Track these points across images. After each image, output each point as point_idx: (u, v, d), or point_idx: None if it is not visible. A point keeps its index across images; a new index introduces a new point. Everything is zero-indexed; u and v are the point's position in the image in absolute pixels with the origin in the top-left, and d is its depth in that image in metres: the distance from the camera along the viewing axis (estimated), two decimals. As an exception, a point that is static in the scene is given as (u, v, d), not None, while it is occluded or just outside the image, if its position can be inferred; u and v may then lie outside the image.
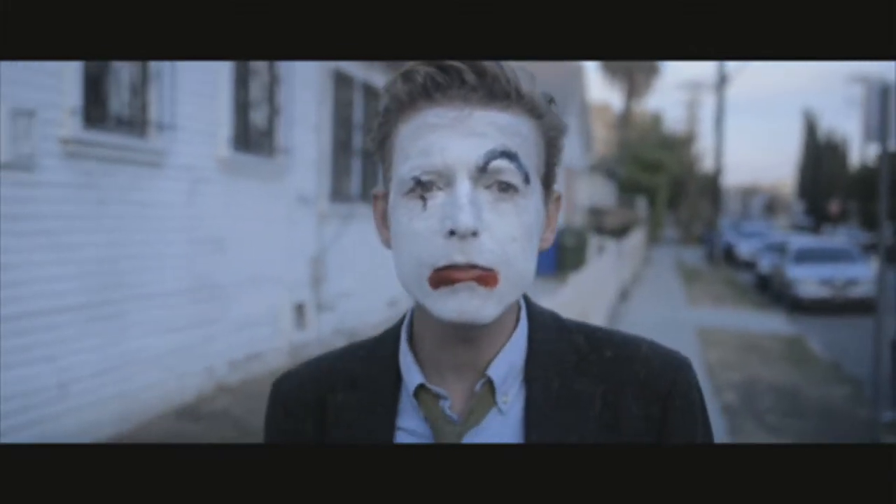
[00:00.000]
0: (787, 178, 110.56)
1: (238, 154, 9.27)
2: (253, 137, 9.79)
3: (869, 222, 52.82)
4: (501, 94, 1.20)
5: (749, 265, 34.62)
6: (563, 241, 23.89)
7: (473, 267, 1.17)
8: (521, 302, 1.34)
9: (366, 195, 12.96)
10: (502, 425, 1.27)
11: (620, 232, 30.63)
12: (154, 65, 7.76)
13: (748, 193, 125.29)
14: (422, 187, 1.19)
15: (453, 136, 1.18)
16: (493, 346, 1.28)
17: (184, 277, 8.36)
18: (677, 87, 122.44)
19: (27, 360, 6.40)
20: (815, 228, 64.75)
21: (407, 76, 1.23)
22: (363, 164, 12.91)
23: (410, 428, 1.29)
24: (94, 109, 7.09)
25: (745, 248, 39.37)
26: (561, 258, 23.50)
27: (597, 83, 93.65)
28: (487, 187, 1.19)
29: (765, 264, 27.43)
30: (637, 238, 29.91)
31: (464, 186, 1.17)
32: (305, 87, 10.74)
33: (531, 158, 1.23)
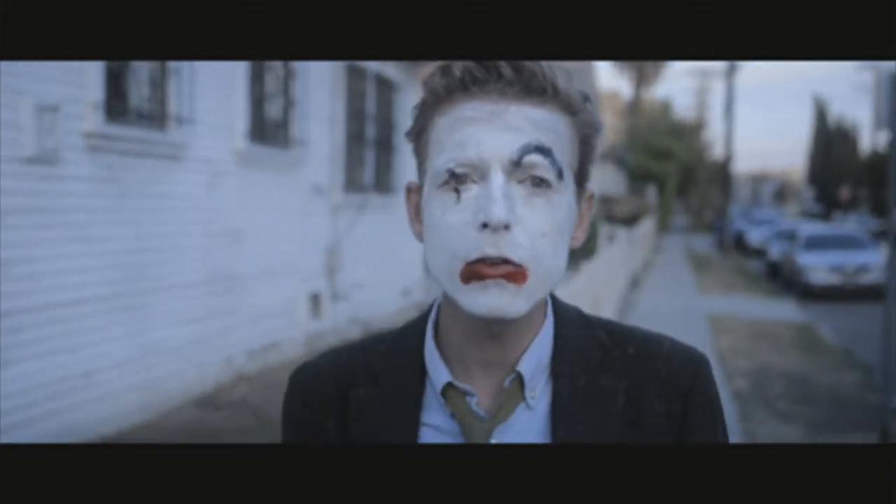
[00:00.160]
0: (797, 165, 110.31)
1: (254, 146, 9.39)
2: (268, 130, 9.91)
3: (879, 209, 52.73)
4: (538, 90, 1.21)
5: (759, 252, 34.60)
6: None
7: (505, 261, 1.17)
8: (548, 297, 1.33)
9: (379, 185, 13.07)
10: (529, 420, 1.28)
11: (631, 220, 30.67)
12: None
13: (758, 180, 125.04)
14: (456, 180, 1.20)
15: (489, 130, 1.19)
16: (520, 343, 1.28)
17: (202, 269, 8.49)
18: (686, 74, 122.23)
19: (53, 350, 6.53)
20: (825, 215, 64.63)
21: (445, 70, 1.24)
22: (376, 154, 13.02)
23: (436, 424, 1.29)
24: (116, 104, 7.22)
25: (755, 236, 39.34)
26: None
27: (606, 71, 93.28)
28: (521, 182, 1.19)
29: (775, 251, 27.45)
30: (647, 226, 29.97)
31: (497, 180, 1.18)
32: (319, 79, 10.84)
33: (565, 155, 1.24)
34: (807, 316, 17.38)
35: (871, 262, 20.98)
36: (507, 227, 1.16)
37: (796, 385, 10.58)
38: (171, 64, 7.88)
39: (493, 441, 1.26)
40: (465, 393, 1.27)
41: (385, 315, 13.06)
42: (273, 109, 10.07)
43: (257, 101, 9.60)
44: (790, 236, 25.87)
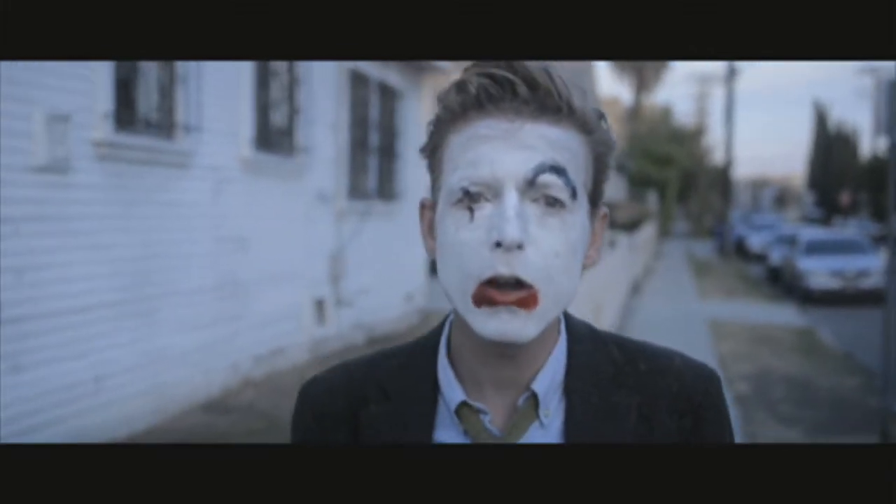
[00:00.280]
0: (797, 170, 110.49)
1: (259, 154, 9.48)
2: (273, 137, 10.00)
3: (880, 213, 52.81)
4: (553, 108, 1.21)
5: (760, 257, 34.68)
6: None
7: (517, 283, 1.17)
8: (560, 315, 1.34)
9: (382, 192, 13.16)
10: (543, 438, 1.28)
11: (631, 226, 30.75)
12: (180, 68, 7.98)
13: (758, 186, 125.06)
14: (470, 198, 1.19)
15: (503, 149, 1.19)
16: (533, 362, 1.28)
17: (209, 275, 8.58)
18: (686, 80, 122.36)
19: (64, 356, 6.62)
20: (825, 220, 64.69)
21: (460, 86, 1.24)
22: (379, 161, 13.11)
23: (449, 442, 1.30)
24: (125, 113, 7.31)
25: (755, 241, 39.39)
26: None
27: (606, 77, 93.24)
28: (535, 201, 1.19)
29: (776, 256, 27.51)
30: (648, 232, 30.05)
31: (511, 199, 1.17)
32: (323, 87, 10.93)
33: (579, 174, 1.23)
34: (807, 320, 17.45)
35: (871, 266, 21.05)
36: (520, 246, 1.16)
37: (797, 389, 10.65)
38: (179, 72, 7.97)
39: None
40: (478, 411, 1.27)
41: (388, 320, 13.15)
42: (278, 117, 10.16)
43: (262, 108, 9.69)
44: (790, 241, 25.92)
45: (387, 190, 13.35)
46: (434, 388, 1.31)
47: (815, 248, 22.73)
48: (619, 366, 1.32)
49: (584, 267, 1.28)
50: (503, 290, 1.17)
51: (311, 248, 10.80)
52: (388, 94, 13.33)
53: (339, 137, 11.53)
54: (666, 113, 66.64)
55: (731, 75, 42.15)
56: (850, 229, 43.56)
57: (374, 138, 12.84)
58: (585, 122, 1.24)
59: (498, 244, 1.16)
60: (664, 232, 50.68)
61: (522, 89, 1.20)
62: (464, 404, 1.28)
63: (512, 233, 1.15)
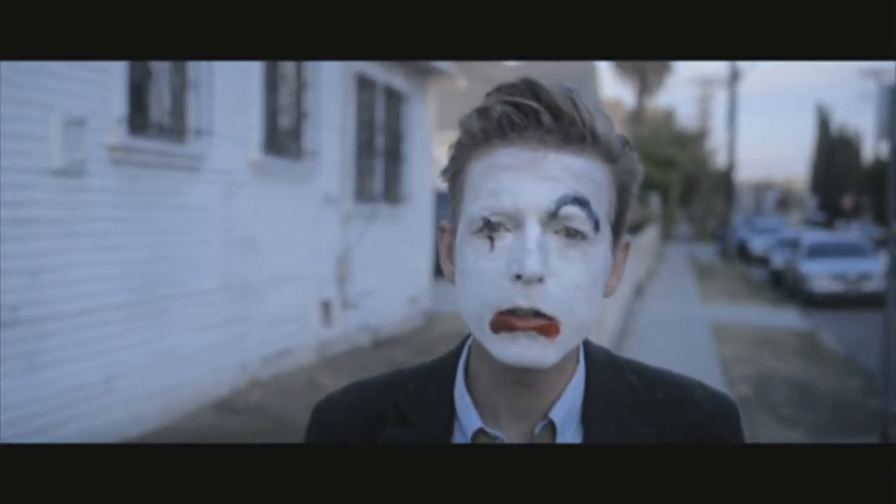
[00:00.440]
0: (800, 174, 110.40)
1: (268, 157, 9.60)
2: (282, 141, 10.11)
3: (882, 217, 52.80)
4: (577, 138, 1.19)
5: (762, 261, 34.71)
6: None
7: (536, 314, 1.16)
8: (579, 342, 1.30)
9: (388, 195, 13.28)
10: None
11: (634, 229, 30.83)
12: (192, 73, 8.10)
13: (761, 189, 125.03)
14: (490, 228, 1.18)
15: (526, 179, 1.17)
16: (551, 390, 1.27)
17: (219, 277, 8.70)
18: (689, 83, 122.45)
19: (78, 357, 6.74)
20: (828, 223, 64.75)
21: (482, 112, 1.22)
22: (385, 165, 13.23)
23: None
24: (138, 117, 7.43)
25: (758, 244, 39.40)
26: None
27: (609, 80, 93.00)
28: (556, 232, 1.18)
29: (778, 260, 27.54)
30: (650, 235, 30.10)
31: (533, 231, 1.16)
32: (331, 91, 11.05)
33: (602, 205, 1.22)
34: (809, 324, 17.52)
35: (873, 269, 21.10)
36: (540, 279, 1.15)
37: (799, 391, 10.74)
38: (191, 77, 8.09)
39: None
40: (495, 439, 1.26)
41: (393, 322, 13.27)
42: (286, 121, 10.27)
43: (271, 112, 9.81)
44: (793, 245, 25.98)
45: (392, 193, 13.46)
46: (451, 414, 1.30)
47: (817, 252, 22.79)
48: (637, 394, 1.31)
49: (605, 296, 1.26)
50: (524, 318, 1.16)
51: (318, 250, 10.91)
52: (394, 98, 13.45)
53: (346, 141, 11.65)
54: (668, 116, 66.65)
55: (734, 78, 42.23)
56: (852, 233, 43.64)
57: (379, 142, 12.96)
58: (610, 151, 1.22)
59: (518, 276, 1.14)
60: (667, 235, 50.73)
61: (546, 118, 1.19)
62: (480, 431, 1.27)
63: (532, 266, 1.13)
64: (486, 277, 1.18)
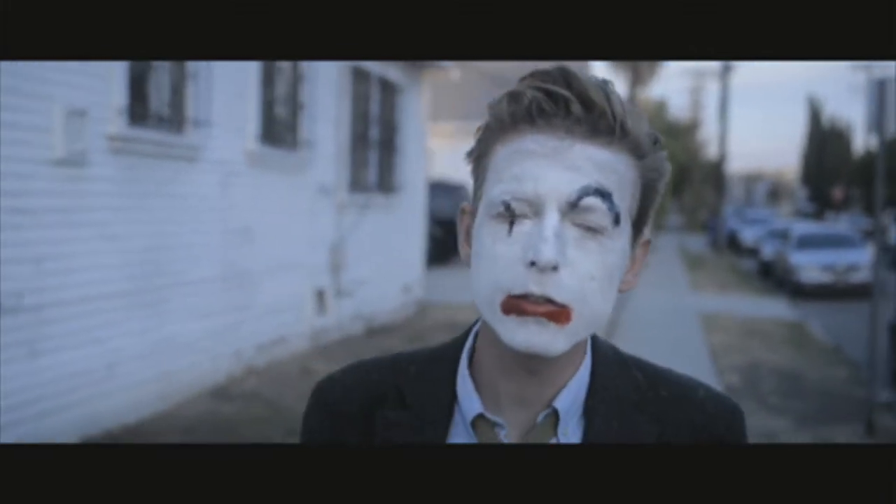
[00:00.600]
0: (791, 165, 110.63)
1: (265, 148, 9.71)
2: (278, 132, 10.22)
3: (872, 209, 53.01)
4: (605, 130, 1.18)
5: (752, 252, 34.87)
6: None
7: (548, 301, 1.15)
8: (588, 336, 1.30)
9: (382, 185, 13.39)
10: None
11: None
12: (191, 65, 8.20)
13: (752, 180, 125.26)
14: (510, 212, 1.17)
15: (550, 167, 1.16)
16: (555, 380, 1.26)
17: (217, 266, 8.81)
18: (681, 74, 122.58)
19: (80, 343, 6.86)
20: (818, 215, 64.99)
21: (513, 97, 1.20)
22: (379, 155, 13.34)
23: None
24: (138, 108, 7.53)
25: (748, 235, 39.56)
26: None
27: (601, 71, 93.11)
28: (575, 223, 1.17)
29: (767, 251, 27.70)
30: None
31: (552, 219, 1.15)
32: (326, 83, 11.14)
33: (625, 199, 1.20)
34: (798, 314, 17.68)
35: (861, 261, 21.29)
36: (555, 268, 1.14)
37: (786, 380, 10.88)
38: (190, 69, 8.20)
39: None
40: (495, 424, 1.26)
41: (386, 311, 13.39)
42: (282, 112, 10.38)
43: (268, 104, 9.91)
44: (782, 235, 26.14)
45: (386, 183, 13.57)
46: (451, 398, 1.29)
47: (806, 243, 22.96)
48: (642, 392, 1.30)
49: (620, 291, 1.25)
50: (535, 303, 1.16)
51: (313, 239, 11.03)
52: (389, 90, 13.55)
53: (341, 132, 11.75)
54: (660, 107, 66.65)
55: (726, 71, 42.38)
56: (842, 224, 43.81)
57: (374, 132, 13.06)
58: (638, 147, 1.21)
59: (533, 263, 1.14)
60: (657, 226, 50.86)
61: (576, 107, 1.17)
62: (480, 417, 1.26)
63: (548, 254, 1.13)
64: (501, 261, 1.17)
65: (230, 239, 9.03)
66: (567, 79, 1.18)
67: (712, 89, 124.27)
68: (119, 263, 7.30)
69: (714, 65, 48.31)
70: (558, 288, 1.15)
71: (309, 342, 10.91)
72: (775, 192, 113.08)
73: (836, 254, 21.90)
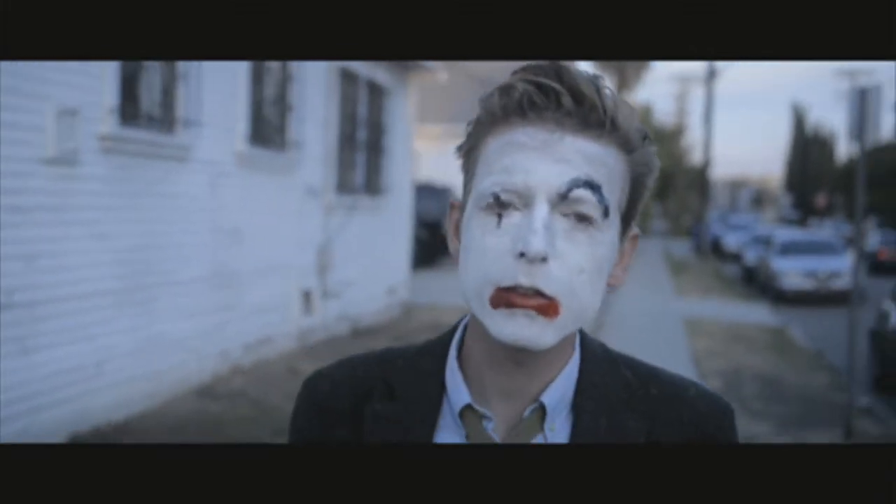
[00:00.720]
0: (775, 172, 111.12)
1: (254, 149, 9.77)
2: (267, 133, 10.29)
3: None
4: (596, 124, 1.18)
5: (736, 257, 35.07)
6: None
7: (537, 293, 1.15)
8: (576, 331, 1.30)
9: (369, 187, 13.46)
10: None
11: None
12: (181, 65, 8.26)
13: (736, 186, 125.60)
14: (499, 205, 1.17)
15: (539, 159, 1.16)
16: (543, 373, 1.26)
17: (205, 266, 8.87)
18: (667, 79, 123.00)
19: (70, 340, 6.92)
20: (802, 221, 65.30)
21: (504, 90, 1.20)
22: (367, 157, 13.41)
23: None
24: (129, 108, 7.59)
25: (732, 241, 39.79)
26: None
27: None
28: (565, 215, 1.17)
29: (751, 256, 27.87)
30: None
31: (541, 210, 1.15)
32: (315, 84, 11.21)
33: (614, 193, 1.21)
34: (780, 320, 17.81)
35: (843, 268, 21.44)
36: (544, 259, 1.14)
37: (768, 385, 10.99)
38: (181, 69, 8.26)
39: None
40: (482, 417, 1.25)
41: (372, 313, 13.47)
42: (271, 113, 10.45)
43: (257, 105, 9.98)
44: (765, 242, 26.30)
45: (373, 185, 13.64)
46: (440, 390, 1.29)
47: (788, 249, 23.12)
48: (632, 389, 1.29)
49: (609, 286, 1.25)
50: (524, 295, 1.16)
51: (300, 240, 11.10)
52: (376, 92, 13.62)
53: (329, 133, 11.82)
54: (646, 112, 66.80)
55: (711, 76, 42.56)
56: (825, 231, 44.09)
57: (361, 134, 13.13)
58: (627, 141, 1.22)
59: (522, 255, 1.14)
60: (642, 231, 50.95)
61: (567, 100, 1.18)
62: (468, 407, 1.26)
63: (537, 245, 1.12)
64: (490, 253, 1.17)
65: (219, 239, 9.09)
66: (558, 73, 1.19)
67: (697, 95, 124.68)
68: (110, 262, 7.36)
69: (699, 70, 48.58)
70: (547, 280, 1.15)
71: (295, 342, 10.97)
72: (759, 199, 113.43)
73: (818, 260, 22.06)
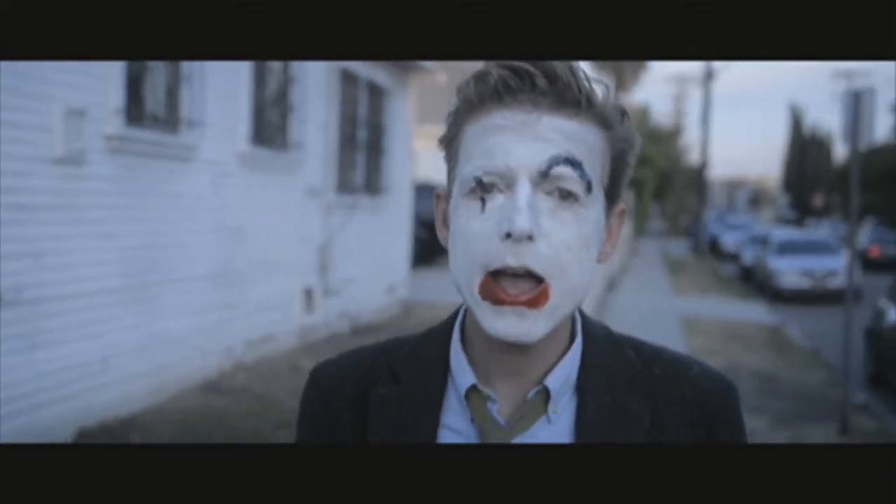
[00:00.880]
0: (773, 172, 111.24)
1: (256, 149, 9.88)
2: (269, 133, 10.39)
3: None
4: (571, 102, 1.19)
5: (733, 257, 35.21)
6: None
7: (527, 273, 1.16)
8: (577, 314, 1.31)
9: (369, 187, 13.56)
10: (549, 435, 1.25)
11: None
12: (185, 66, 8.36)
13: (734, 186, 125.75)
14: (482, 188, 1.17)
15: (518, 140, 1.17)
16: (543, 356, 1.26)
17: (209, 264, 8.98)
18: (664, 80, 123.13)
19: (77, 337, 7.02)
20: (799, 221, 65.40)
21: (479, 77, 1.22)
22: (367, 157, 13.52)
23: (456, 427, 1.28)
24: (134, 108, 7.69)
25: (729, 241, 39.93)
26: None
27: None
28: (548, 193, 1.17)
29: (748, 256, 28.00)
30: (624, 229, 30.44)
31: (524, 190, 1.15)
32: (315, 85, 11.31)
33: (596, 169, 1.21)
34: (777, 318, 17.92)
35: (839, 267, 21.53)
36: (530, 237, 1.14)
37: (765, 382, 11.10)
38: (184, 70, 8.36)
39: None
40: (487, 398, 1.25)
41: (372, 311, 13.56)
42: (273, 114, 10.55)
43: (259, 105, 10.09)
44: (763, 241, 26.39)
45: (373, 184, 13.74)
46: (444, 373, 1.30)
47: (786, 249, 23.23)
48: (635, 370, 1.30)
49: (599, 262, 1.26)
50: (513, 283, 1.17)
51: (301, 239, 11.20)
52: (376, 93, 13.72)
53: (329, 134, 11.91)
54: (643, 113, 66.88)
55: (709, 77, 42.67)
56: (822, 230, 44.20)
57: (361, 135, 13.23)
58: (605, 118, 1.22)
59: (508, 235, 1.14)
60: (640, 231, 51.14)
61: (541, 81, 1.18)
62: (473, 388, 1.26)
63: (522, 224, 1.13)
64: (476, 238, 1.17)
65: (222, 238, 9.20)
66: (533, 61, 1.20)
67: (695, 96, 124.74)
68: (115, 260, 7.46)
69: (697, 71, 48.66)
70: (536, 258, 1.15)
71: (297, 340, 11.08)
72: (757, 199, 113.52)
73: (814, 260, 22.17)
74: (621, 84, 63.90)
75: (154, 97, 8.09)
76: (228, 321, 9.41)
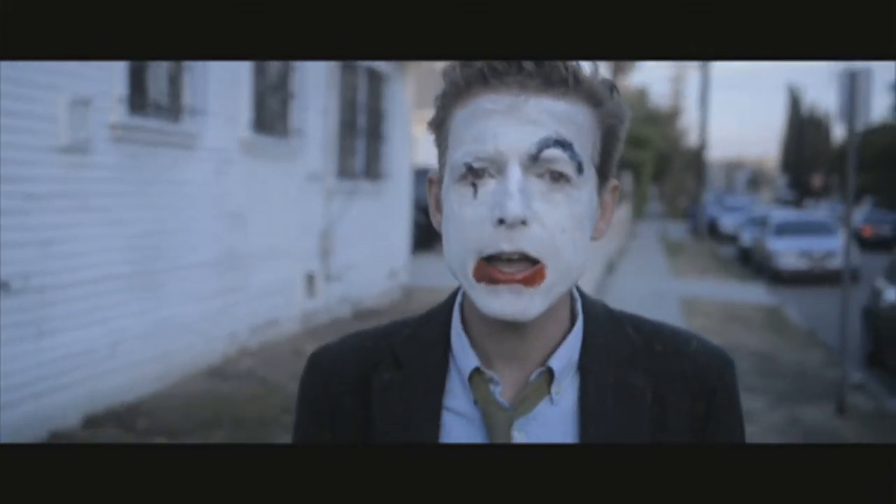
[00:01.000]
0: (771, 153, 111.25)
1: (257, 136, 9.97)
2: (270, 121, 10.48)
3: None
4: (559, 81, 1.18)
5: (732, 238, 35.28)
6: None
7: (522, 257, 1.16)
8: (576, 294, 1.31)
9: (369, 172, 13.65)
10: (552, 415, 1.25)
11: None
12: (187, 55, 8.44)
13: (733, 168, 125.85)
14: (473, 174, 1.17)
15: (507, 123, 1.16)
16: (542, 337, 1.26)
17: (212, 250, 9.08)
18: (662, 63, 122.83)
19: (84, 323, 7.12)
20: (798, 202, 65.48)
21: (465, 62, 1.21)
22: (367, 143, 13.61)
23: (458, 409, 1.27)
24: (137, 97, 7.78)
25: (728, 222, 39.98)
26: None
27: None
28: (539, 176, 1.16)
29: (747, 237, 28.04)
30: (622, 212, 30.53)
31: (515, 174, 1.14)
32: (316, 72, 11.37)
33: (586, 148, 1.20)
34: (775, 299, 18.01)
35: (837, 248, 21.46)
36: (524, 222, 1.14)
37: (764, 362, 11.21)
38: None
39: (515, 432, 1.24)
40: (490, 380, 1.25)
41: (373, 295, 13.66)
42: (274, 101, 10.64)
43: (260, 93, 10.17)
44: (761, 223, 26.48)
45: (373, 170, 13.82)
46: (445, 354, 1.30)
47: (784, 230, 23.32)
48: (635, 347, 1.30)
49: (593, 239, 1.25)
50: (509, 264, 1.17)
51: (303, 225, 11.30)
52: (375, 79, 13.78)
53: (329, 120, 11.99)
54: (642, 95, 66.84)
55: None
56: (821, 211, 44.27)
57: (361, 121, 13.31)
58: (593, 94, 1.21)
59: (501, 221, 1.13)
60: (638, 213, 51.23)
61: (528, 63, 1.18)
62: (476, 371, 1.26)
63: (514, 209, 1.12)
64: (469, 224, 1.17)
65: (225, 224, 9.29)
66: None
67: (693, 77, 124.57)
68: (120, 247, 7.56)
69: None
70: (531, 241, 1.15)
71: (299, 324, 11.19)
72: (756, 180, 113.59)
73: (813, 241, 22.25)
74: (619, 67, 63.88)
75: (157, 86, 8.17)
76: (232, 307, 9.51)
